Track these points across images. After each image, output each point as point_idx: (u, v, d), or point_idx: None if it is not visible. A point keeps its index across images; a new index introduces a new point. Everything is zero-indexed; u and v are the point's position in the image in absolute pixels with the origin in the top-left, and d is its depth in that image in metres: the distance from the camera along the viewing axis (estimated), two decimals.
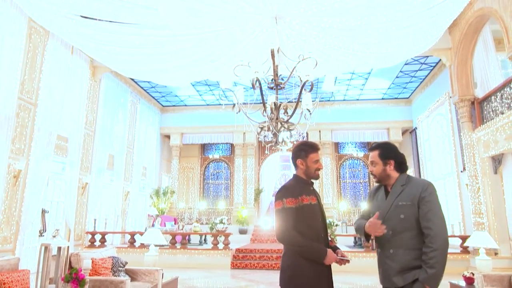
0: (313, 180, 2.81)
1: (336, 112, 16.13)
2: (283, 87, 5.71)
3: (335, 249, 2.67)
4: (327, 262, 2.52)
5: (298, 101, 5.21)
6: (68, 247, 4.31)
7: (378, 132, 16.61)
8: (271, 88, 5.72)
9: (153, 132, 16.81)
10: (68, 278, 3.51)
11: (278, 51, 5.73)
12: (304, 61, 5.22)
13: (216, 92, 15.58)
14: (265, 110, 5.48)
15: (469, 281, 5.23)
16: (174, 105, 17.56)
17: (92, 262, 4.32)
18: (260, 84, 5.13)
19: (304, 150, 2.77)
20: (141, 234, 11.04)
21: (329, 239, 2.72)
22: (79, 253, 4.38)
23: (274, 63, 5.50)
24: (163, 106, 17.57)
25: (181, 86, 14.53)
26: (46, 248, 4.07)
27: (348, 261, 2.57)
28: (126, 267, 5.23)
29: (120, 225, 13.31)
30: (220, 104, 16.95)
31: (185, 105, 17.50)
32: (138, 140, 14.98)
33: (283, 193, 2.65)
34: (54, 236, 4.13)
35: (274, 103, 5.64)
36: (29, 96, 9.10)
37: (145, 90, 15.47)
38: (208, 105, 17.28)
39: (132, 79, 14.24)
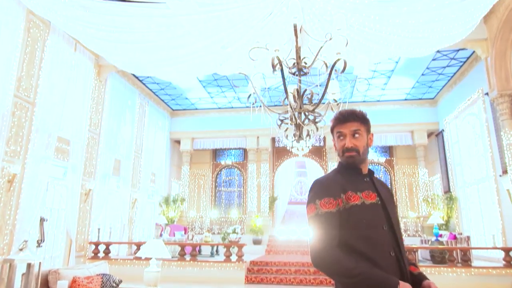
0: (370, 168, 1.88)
1: None
2: (308, 72, 4.82)
3: (420, 279, 1.69)
4: None
5: (327, 83, 4.31)
6: (40, 263, 3.42)
7: (401, 135, 15.50)
8: (293, 74, 4.84)
9: (162, 136, 16.07)
10: None
11: (300, 30, 4.85)
12: (332, 40, 4.27)
13: (228, 94, 14.78)
14: (287, 97, 4.59)
15: None
16: (184, 109, 16.81)
17: (74, 282, 3.42)
18: (281, 64, 4.25)
19: (331, 125, 1.92)
20: None
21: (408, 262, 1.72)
22: (59, 270, 3.49)
23: (297, 43, 4.61)
24: (173, 110, 16.84)
25: (189, 84, 13.74)
26: (10, 265, 3.18)
27: None
28: (121, 285, 4.35)
29: (127, 235, 12.48)
30: (232, 107, 16.26)
31: (196, 109, 16.74)
32: (146, 145, 14.22)
33: (316, 191, 1.74)
34: (20, 249, 3.27)
35: (297, 89, 4.75)
36: (27, 94, 8.41)
37: (154, 92, 14.76)
38: (220, 108, 16.48)
39: (140, 81, 13.56)
